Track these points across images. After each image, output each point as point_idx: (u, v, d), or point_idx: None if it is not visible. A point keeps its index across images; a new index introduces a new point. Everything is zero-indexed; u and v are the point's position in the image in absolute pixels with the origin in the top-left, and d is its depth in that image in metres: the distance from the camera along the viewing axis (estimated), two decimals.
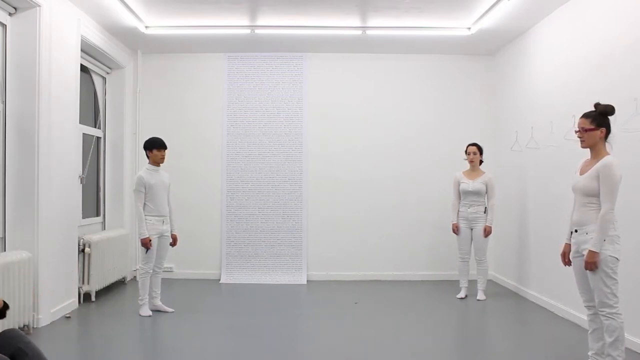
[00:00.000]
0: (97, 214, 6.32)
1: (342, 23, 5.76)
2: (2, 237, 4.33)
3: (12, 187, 4.38)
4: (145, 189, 4.87)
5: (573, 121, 4.51)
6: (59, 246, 4.81)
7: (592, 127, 3.24)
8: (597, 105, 3.29)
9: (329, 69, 6.86)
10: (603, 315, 3.15)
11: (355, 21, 5.71)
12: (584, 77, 4.62)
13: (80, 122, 5.37)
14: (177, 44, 6.45)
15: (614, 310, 3.11)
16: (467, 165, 5.79)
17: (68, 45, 4.98)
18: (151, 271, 4.95)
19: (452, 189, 5.80)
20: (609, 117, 3.27)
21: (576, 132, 3.35)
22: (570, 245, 3.44)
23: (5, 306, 2.71)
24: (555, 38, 5.20)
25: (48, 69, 4.56)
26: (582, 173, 3.33)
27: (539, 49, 5.55)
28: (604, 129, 3.25)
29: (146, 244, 4.82)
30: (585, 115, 3.29)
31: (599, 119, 3.24)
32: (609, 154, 3.24)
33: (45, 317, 4.51)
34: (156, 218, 4.91)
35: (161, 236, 4.96)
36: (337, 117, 6.83)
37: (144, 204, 4.88)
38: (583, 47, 4.65)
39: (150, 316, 4.86)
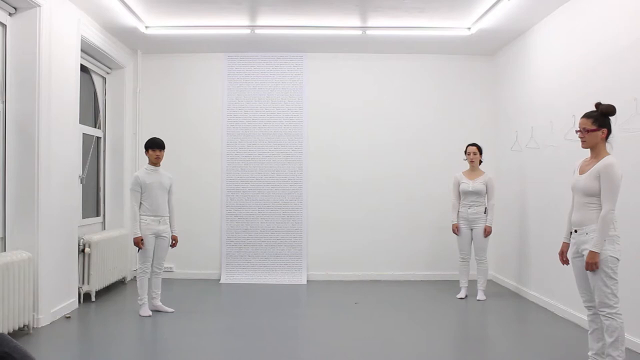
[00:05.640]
0: (97, 214, 6.32)
1: (342, 23, 5.76)
2: (2, 237, 4.33)
3: (12, 187, 4.38)
4: (140, 188, 4.88)
5: (573, 121, 4.51)
6: (59, 246, 4.81)
7: (594, 127, 3.23)
8: (598, 105, 3.27)
9: (329, 69, 6.85)
10: (603, 316, 3.14)
11: (355, 21, 5.71)
12: (584, 77, 4.62)
13: (80, 122, 5.37)
14: (177, 44, 6.45)
15: (614, 311, 3.11)
16: (467, 166, 5.79)
17: (68, 45, 4.98)
18: (148, 270, 4.95)
19: (452, 189, 5.79)
20: (610, 117, 3.26)
21: (577, 132, 3.34)
22: (568, 244, 3.44)
23: None
24: (555, 38, 5.20)
25: (48, 69, 4.56)
26: (582, 173, 3.32)
27: (538, 49, 5.55)
28: (605, 130, 3.24)
29: (138, 242, 4.83)
30: (587, 116, 3.28)
31: (601, 119, 3.23)
32: (609, 154, 3.24)
33: (45, 317, 4.51)
34: (152, 218, 4.91)
35: (158, 236, 4.95)
36: (337, 117, 6.83)
37: (140, 203, 4.89)
38: (583, 47, 4.65)
39: (150, 316, 4.86)
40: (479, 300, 5.59)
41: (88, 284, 5.39)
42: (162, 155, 5.01)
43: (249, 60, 6.84)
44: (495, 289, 6.14)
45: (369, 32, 5.92)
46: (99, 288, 5.56)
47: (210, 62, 6.84)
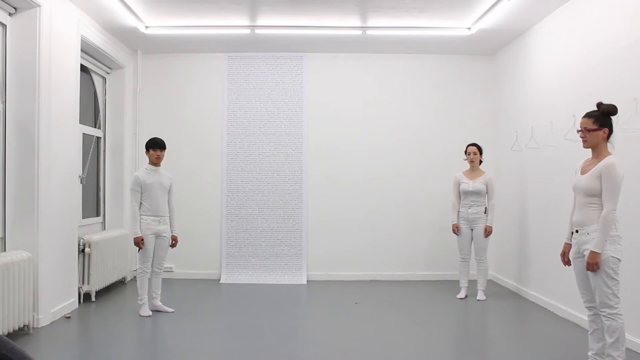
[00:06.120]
0: (97, 214, 6.32)
1: (342, 23, 5.76)
2: (2, 237, 4.33)
3: (12, 187, 4.38)
4: (141, 188, 4.88)
5: (573, 121, 4.52)
6: (59, 246, 4.81)
7: (595, 127, 3.23)
8: (599, 105, 3.26)
9: (329, 69, 6.85)
10: (604, 316, 3.14)
11: (355, 21, 5.71)
12: (584, 76, 4.62)
13: (80, 122, 5.37)
14: (177, 44, 6.45)
15: (614, 311, 3.10)
16: (467, 166, 5.79)
17: (68, 45, 4.98)
18: (149, 270, 4.94)
19: (452, 189, 5.79)
20: (612, 117, 3.26)
21: (578, 131, 3.34)
22: (570, 245, 3.43)
23: None
24: (555, 38, 5.20)
25: (48, 69, 4.56)
26: (583, 173, 3.31)
27: (538, 49, 5.55)
28: (606, 129, 3.23)
29: (138, 242, 4.83)
30: (588, 115, 3.28)
31: (602, 119, 3.22)
32: (610, 154, 3.23)
33: (45, 317, 4.51)
34: (152, 217, 4.90)
35: (158, 236, 4.95)
36: (337, 117, 6.83)
37: (140, 203, 4.89)
38: (583, 47, 4.66)
39: (150, 316, 4.86)
40: (479, 300, 5.59)
41: (88, 284, 5.39)
42: (163, 156, 5.01)
43: (249, 60, 6.83)
44: (495, 289, 6.14)
45: (369, 32, 5.92)
46: (99, 288, 5.56)
47: (210, 62, 6.84)
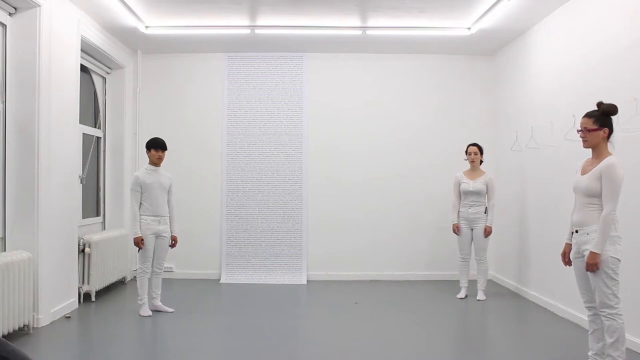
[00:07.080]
0: (97, 214, 6.32)
1: (342, 23, 5.76)
2: (2, 237, 4.33)
3: (12, 187, 4.38)
4: (140, 188, 4.88)
5: (573, 121, 4.52)
6: (59, 246, 4.81)
7: (595, 127, 3.22)
8: (600, 104, 3.26)
9: (329, 69, 6.85)
10: (604, 316, 3.14)
11: (355, 21, 5.71)
12: (584, 76, 4.63)
13: (80, 122, 5.37)
14: (177, 44, 6.45)
15: (614, 311, 3.10)
16: (468, 166, 5.79)
17: (68, 45, 4.98)
18: (149, 270, 4.94)
19: (453, 189, 5.79)
20: (612, 117, 3.25)
21: (579, 131, 3.33)
22: (570, 245, 3.43)
23: None
24: (555, 38, 5.20)
25: (48, 69, 4.56)
26: (584, 173, 3.31)
27: (538, 49, 5.56)
28: (606, 129, 3.22)
29: (138, 242, 4.83)
30: (588, 115, 3.27)
31: (602, 118, 3.22)
32: (611, 154, 3.22)
33: (45, 317, 4.51)
34: (152, 218, 4.91)
35: (158, 236, 4.95)
36: (337, 117, 6.83)
37: (140, 203, 4.89)
38: (583, 47, 4.66)
39: (150, 316, 4.86)
40: (479, 300, 5.59)
41: (88, 284, 5.39)
42: (164, 156, 5.02)
43: (249, 60, 6.84)
44: (495, 289, 6.14)
45: (369, 32, 5.92)
46: (99, 288, 5.56)
47: (210, 62, 6.84)
